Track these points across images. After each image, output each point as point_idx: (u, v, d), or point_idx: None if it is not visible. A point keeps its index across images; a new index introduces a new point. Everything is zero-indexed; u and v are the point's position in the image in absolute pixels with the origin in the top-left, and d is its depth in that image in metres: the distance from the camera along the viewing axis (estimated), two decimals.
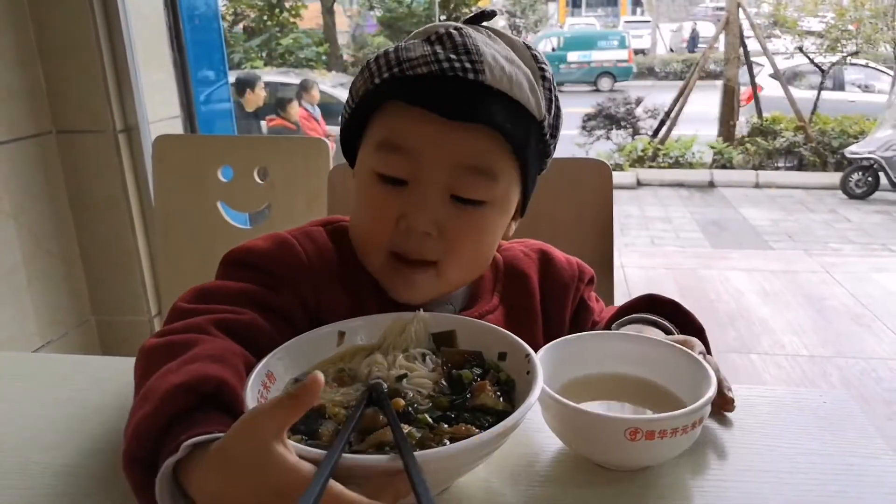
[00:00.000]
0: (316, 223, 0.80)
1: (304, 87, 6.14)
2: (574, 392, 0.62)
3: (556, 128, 0.76)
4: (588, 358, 0.67)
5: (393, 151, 0.69)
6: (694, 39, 17.50)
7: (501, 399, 0.58)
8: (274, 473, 0.46)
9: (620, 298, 0.92)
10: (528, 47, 0.75)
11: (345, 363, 0.64)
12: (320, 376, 0.47)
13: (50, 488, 0.59)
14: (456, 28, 0.70)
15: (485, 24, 0.75)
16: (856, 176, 7.14)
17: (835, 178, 7.48)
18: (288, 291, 0.71)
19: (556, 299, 0.83)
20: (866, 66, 9.48)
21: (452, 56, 0.67)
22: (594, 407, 0.63)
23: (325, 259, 0.75)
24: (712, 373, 0.61)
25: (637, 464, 0.59)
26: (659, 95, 9.53)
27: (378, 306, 0.73)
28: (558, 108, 0.76)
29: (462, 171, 0.69)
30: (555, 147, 0.78)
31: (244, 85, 5.76)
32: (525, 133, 0.71)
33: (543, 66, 0.74)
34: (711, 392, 0.57)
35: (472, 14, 0.76)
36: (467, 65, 0.67)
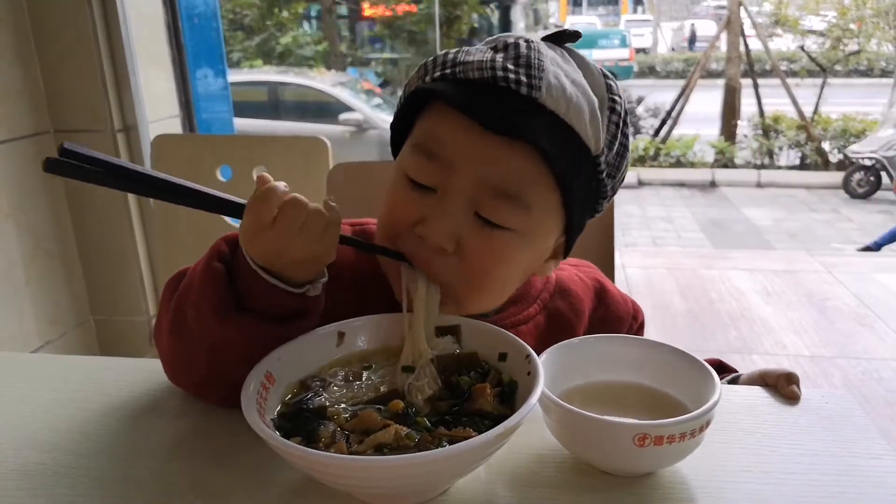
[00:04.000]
0: (343, 221, 0.79)
1: None
2: (575, 399, 0.61)
3: (616, 168, 0.70)
4: (589, 363, 0.66)
5: (426, 156, 0.66)
6: (693, 38, 17.53)
7: (502, 403, 0.58)
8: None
9: None
10: (605, 75, 0.70)
11: (354, 366, 0.65)
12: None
13: (50, 488, 0.59)
14: (527, 41, 0.66)
15: (567, 44, 0.70)
16: (858, 175, 7.14)
17: (837, 177, 7.47)
18: None
19: (606, 332, 0.77)
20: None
21: (510, 66, 0.63)
22: (597, 414, 0.62)
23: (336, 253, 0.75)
24: (715, 376, 0.60)
25: (643, 470, 0.59)
26: (660, 94, 9.52)
27: (385, 310, 0.70)
28: (623, 147, 0.70)
29: (491, 190, 0.64)
30: (614, 189, 0.71)
31: None
32: (573, 163, 0.65)
33: (616, 97, 0.69)
34: (717, 395, 0.57)
35: (552, 31, 0.70)
36: (523, 78, 0.62)
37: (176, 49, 2.04)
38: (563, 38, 0.70)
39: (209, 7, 2.46)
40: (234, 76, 5.88)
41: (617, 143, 0.69)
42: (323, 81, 8.14)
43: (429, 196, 0.66)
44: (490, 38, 0.70)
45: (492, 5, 12.28)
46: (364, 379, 0.63)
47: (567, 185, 0.65)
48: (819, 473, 0.60)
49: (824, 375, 2.94)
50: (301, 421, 0.56)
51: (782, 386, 0.71)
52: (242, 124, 5.94)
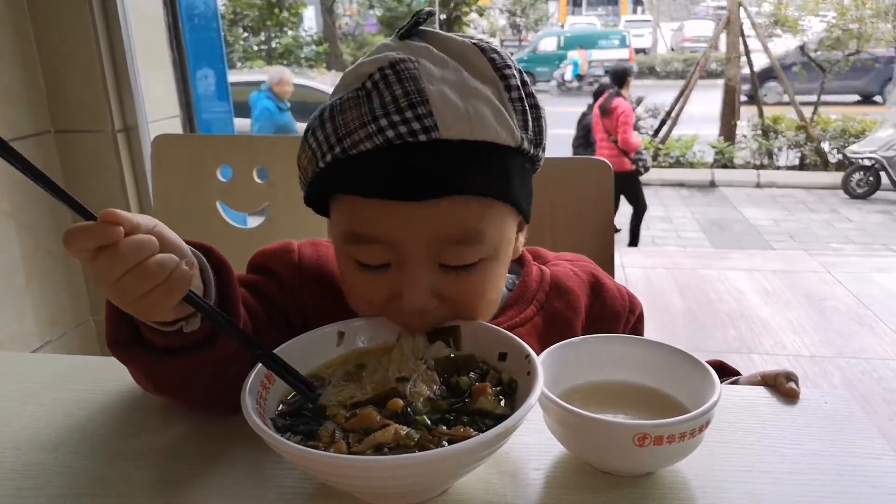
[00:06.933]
0: (326, 241, 0.80)
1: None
2: (575, 399, 0.61)
3: (537, 133, 0.66)
4: (589, 363, 0.66)
5: (364, 243, 0.63)
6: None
7: (502, 402, 0.58)
8: None
9: None
10: (482, 50, 0.63)
11: (350, 364, 0.65)
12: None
13: (50, 488, 0.59)
14: (391, 64, 0.60)
15: (422, 27, 0.65)
16: (857, 176, 7.14)
17: (836, 177, 7.48)
18: (284, 290, 0.73)
19: (604, 328, 0.77)
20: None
21: (395, 117, 0.58)
22: (597, 414, 0.62)
23: (325, 271, 0.75)
24: (715, 376, 0.60)
25: (643, 469, 0.59)
26: (660, 95, 9.52)
27: None
28: (535, 109, 0.65)
29: (444, 244, 0.62)
30: (544, 148, 0.69)
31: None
32: (503, 174, 0.62)
33: (505, 70, 0.63)
34: (716, 395, 0.57)
35: (406, 24, 0.64)
36: (415, 125, 0.58)
37: (176, 49, 2.04)
38: (416, 27, 0.64)
39: (209, 7, 2.46)
40: (234, 76, 5.89)
41: (529, 116, 0.64)
42: (323, 81, 8.13)
43: (388, 270, 0.64)
44: (349, 71, 0.65)
45: None
46: (364, 378, 0.63)
47: (506, 195, 0.63)
48: (818, 473, 0.60)
49: (823, 375, 2.95)
50: (301, 420, 0.57)
51: (781, 384, 0.72)
52: (243, 124, 5.95)
